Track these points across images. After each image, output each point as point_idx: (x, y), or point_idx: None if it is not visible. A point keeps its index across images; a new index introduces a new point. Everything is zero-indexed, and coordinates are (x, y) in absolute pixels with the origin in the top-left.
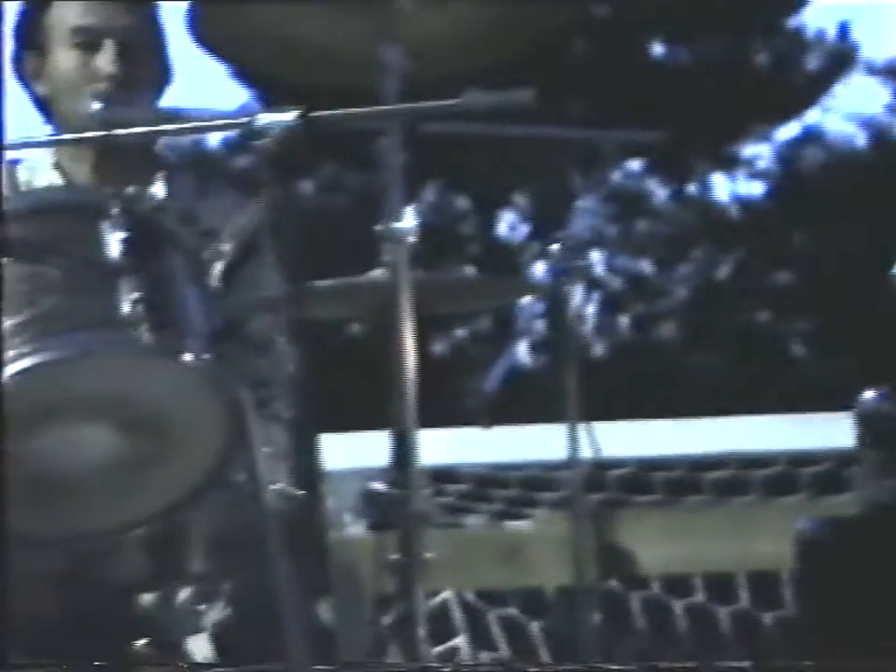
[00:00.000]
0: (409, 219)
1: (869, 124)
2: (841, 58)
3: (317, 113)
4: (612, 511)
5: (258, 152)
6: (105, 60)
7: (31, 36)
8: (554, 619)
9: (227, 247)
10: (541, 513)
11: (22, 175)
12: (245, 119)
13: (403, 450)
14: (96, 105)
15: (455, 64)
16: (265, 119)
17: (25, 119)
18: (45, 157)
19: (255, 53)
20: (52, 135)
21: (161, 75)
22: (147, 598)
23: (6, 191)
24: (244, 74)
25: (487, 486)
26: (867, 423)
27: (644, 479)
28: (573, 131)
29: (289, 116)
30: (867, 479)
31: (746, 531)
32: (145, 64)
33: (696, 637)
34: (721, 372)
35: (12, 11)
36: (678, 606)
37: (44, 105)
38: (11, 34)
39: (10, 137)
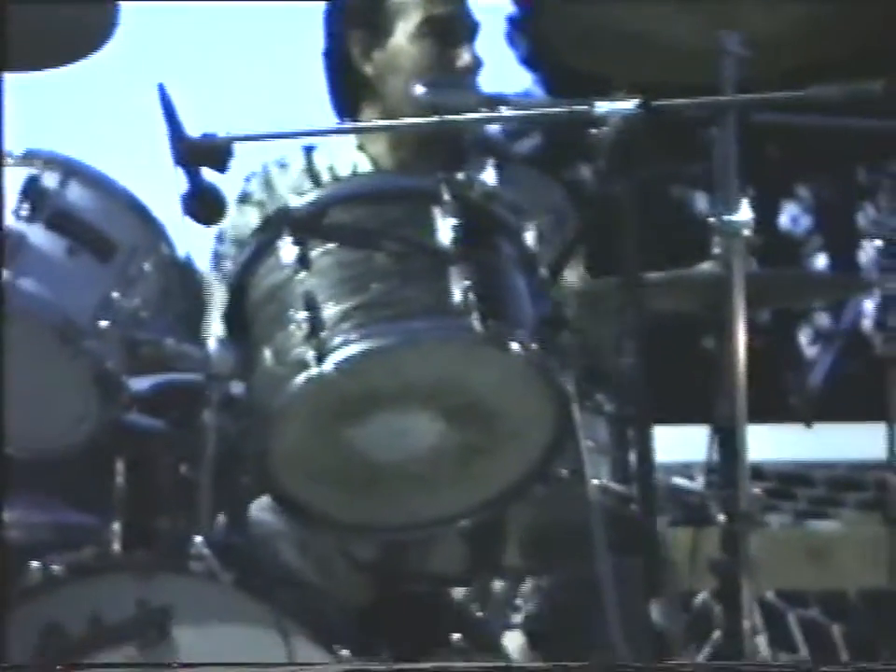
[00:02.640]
0: (745, 211)
1: None
2: None
3: (659, 102)
4: None
5: (597, 141)
6: (460, 51)
7: (364, 15)
8: (857, 622)
9: (554, 237)
10: (848, 514)
11: (323, 158)
12: (584, 108)
13: (730, 446)
14: (421, 89)
15: (792, 55)
16: (604, 107)
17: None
18: (345, 140)
19: (593, 47)
20: (370, 119)
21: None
22: (462, 591)
23: (304, 179)
24: (573, 65)
25: (793, 485)
26: None
27: None
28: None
29: (629, 104)
30: None
31: None
32: (473, 53)
33: None
34: None
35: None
36: None
37: (362, 85)
38: (338, 12)
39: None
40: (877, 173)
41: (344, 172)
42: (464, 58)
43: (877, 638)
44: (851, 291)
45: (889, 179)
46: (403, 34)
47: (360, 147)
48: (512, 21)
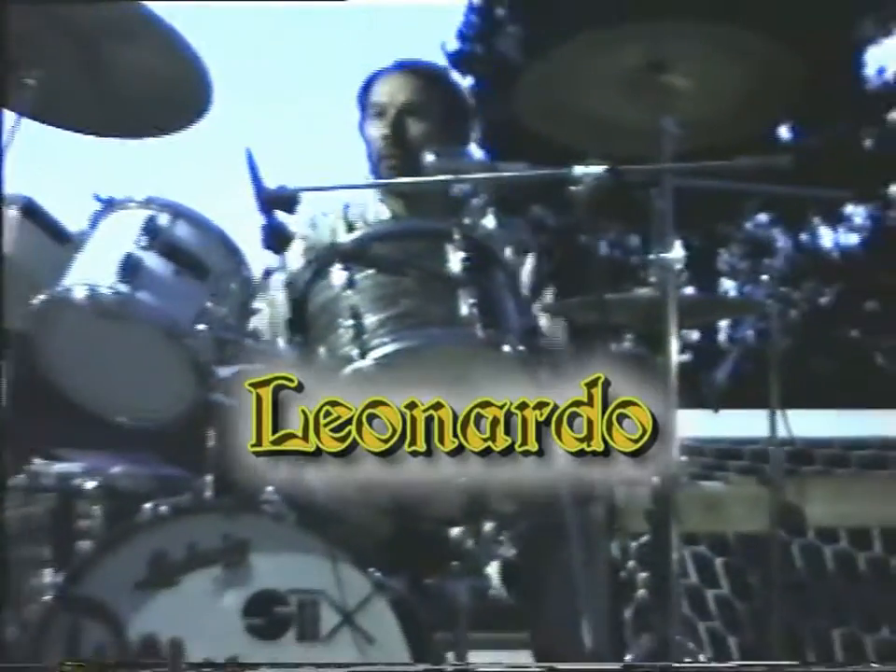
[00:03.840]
0: (678, 250)
1: None
2: None
3: (624, 167)
4: (787, 477)
5: (573, 197)
6: (382, 126)
7: (363, 105)
8: (734, 557)
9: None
10: (730, 477)
11: (355, 209)
12: (562, 171)
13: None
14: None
15: (719, 131)
16: (580, 170)
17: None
18: (372, 195)
19: (559, 122)
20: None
21: (447, 136)
22: (459, 530)
23: (340, 223)
24: (541, 138)
25: (690, 454)
26: None
27: (809, 454)
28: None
29: (600, 169)
30: None
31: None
32: (419, 128)
33: (841, 576)
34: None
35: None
36: (828, 551)
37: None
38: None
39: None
40: (732, 227)
41: (372, 217)
42: (379, 132)
43: (750, 570)
44: (749, 311)
45: (741, 233)
46: (369, 117)
47: (381, 200)
48: None
